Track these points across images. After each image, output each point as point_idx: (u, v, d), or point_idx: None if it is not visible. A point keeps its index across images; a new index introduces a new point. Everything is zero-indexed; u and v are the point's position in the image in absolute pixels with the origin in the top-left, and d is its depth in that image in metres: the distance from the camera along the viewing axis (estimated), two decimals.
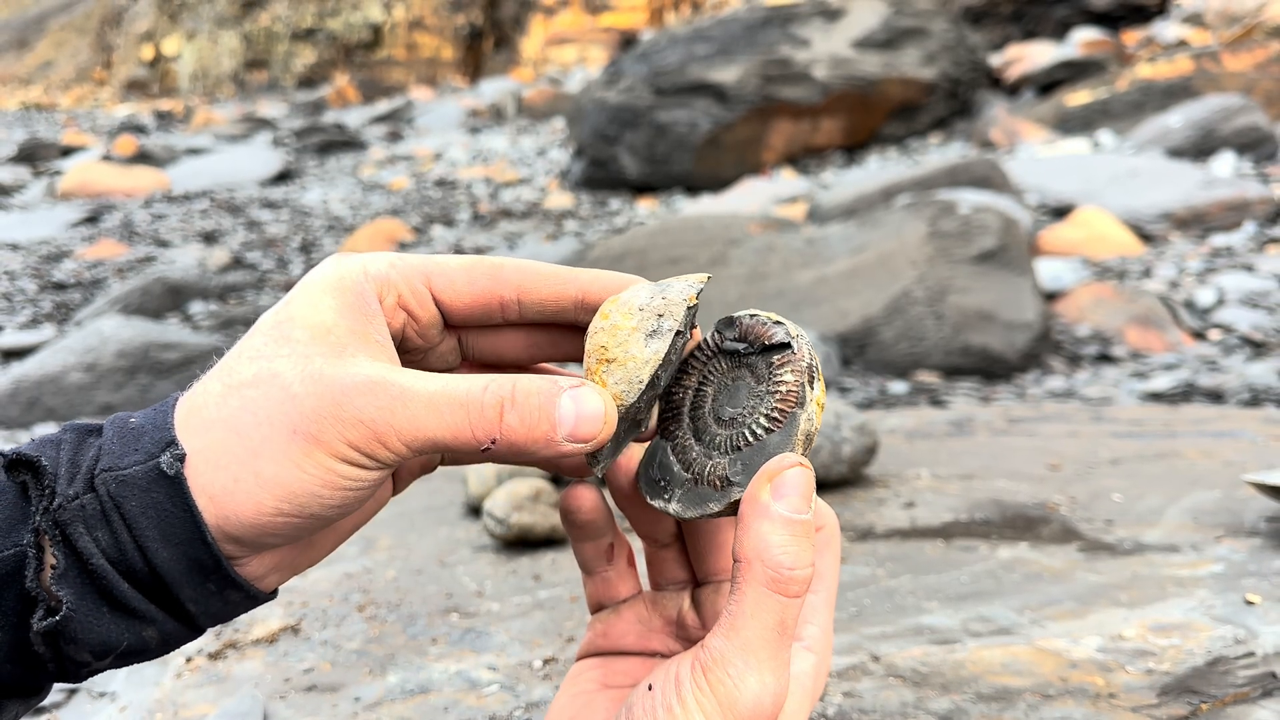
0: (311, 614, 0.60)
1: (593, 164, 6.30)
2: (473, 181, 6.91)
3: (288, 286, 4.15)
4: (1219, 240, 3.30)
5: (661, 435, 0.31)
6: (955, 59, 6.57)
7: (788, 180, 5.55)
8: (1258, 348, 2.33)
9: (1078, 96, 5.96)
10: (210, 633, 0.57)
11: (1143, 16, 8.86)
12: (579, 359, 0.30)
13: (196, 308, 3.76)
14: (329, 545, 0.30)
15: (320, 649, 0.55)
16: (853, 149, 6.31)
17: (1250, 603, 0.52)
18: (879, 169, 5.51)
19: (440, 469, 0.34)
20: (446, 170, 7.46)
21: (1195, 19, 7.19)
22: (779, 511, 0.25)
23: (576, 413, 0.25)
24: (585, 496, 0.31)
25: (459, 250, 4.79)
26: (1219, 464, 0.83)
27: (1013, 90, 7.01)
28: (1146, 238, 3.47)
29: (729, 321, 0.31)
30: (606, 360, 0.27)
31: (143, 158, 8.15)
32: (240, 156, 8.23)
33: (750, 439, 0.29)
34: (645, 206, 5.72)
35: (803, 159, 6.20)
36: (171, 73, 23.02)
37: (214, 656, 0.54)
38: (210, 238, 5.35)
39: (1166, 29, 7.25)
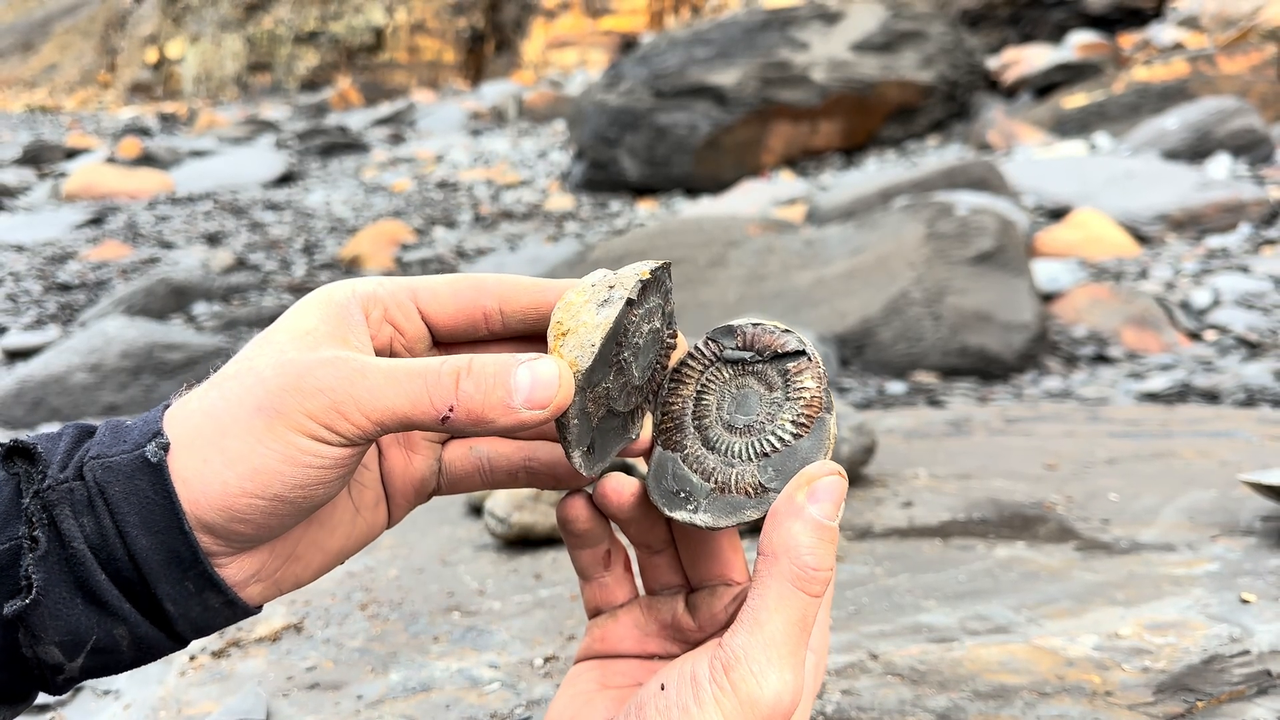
0: (314, 612, 0.60)
1: (593, 166, 6.31)
2: (474, 183, 6.92)
3: (291, 288, 4.13)
4: (1215, 242, 3.31)
5: (664, 446, 0.30)
6: (953, 62, 6.59)
7: (786, 182, 5.56)
8: (1253, 348, 2.34)
9: (1074, 99, 5.99)
10: None
11: (1139, 20, 8.90)
12: None
13: (200, 309, 3.77)
14: (315, 563, 0.29)
15: (323, 647, 0.55)
16: (851, 151, 6.33)
17: (1246, 601, 0.53)
18: (877, 171, 5.52)
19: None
20: (448, 172, 7.47)
21: (1191, 22, 7.23)
22: (812, 514, 0.26)
23: (532, 379, 0.25)
24: (582, 505, 0.31)
25: (460, 251, 4.80)
26: (1215, 464, 0.84)
27: (1010, 93, 7.04)
28: (1143, 239, 3.48)
29: (728, 330, 0.31)
30: (562, 334, 0.27)
31: (147, 160, 8.17)
32: (243, 159, 8.24)
33: (778, 445, 0.29)
34: (645, 208, 5.73)
35: (801, 161, 6.21)
36: (175, 75, 23.08)
37: (217, 654, 0.55)
38: (214, 239, 5.36)
39: (1163, 32, 7.29)
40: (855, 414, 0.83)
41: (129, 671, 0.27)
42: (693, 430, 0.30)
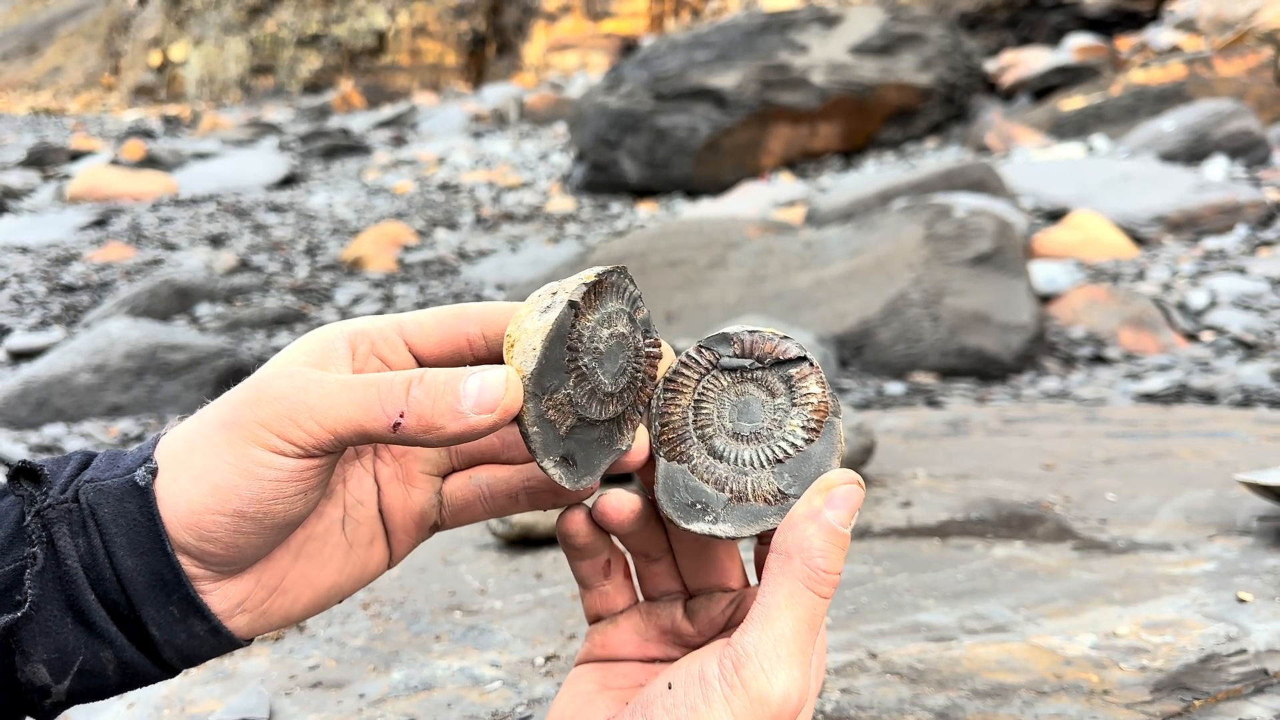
0: None
1: (594, 168, 6.32)
2: (476, 185, 6.93)
3: (293, 289, 4.13)
4: (1211, 243, 3.33)
5: (668, 459, 0.30)
6: (951, 65, 6.62)
7: (786, 184, 5.58)
8: (1250, 349, 2.35)
9: (1072, 101, 6.01)
10: None
11: (1136, 22, 8.93)
12: None
13: (203, 310, 3.77)
14: (304, 598, 0.29)
15: (325, 646, 0.55)
16: (850, 153, 6.34)
17: (1242, 601, 0.53)
18: (876, 173, 5.54)
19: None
20: (450, 174, 7.47)
21: (1188, 25, 7.26)
22: (828, 519, 0.27)
23: (480, 385, 0.26)
24: (581, 520, 0.31)
25: (462, 253, 4.80)
26: (1212, 464, 0.84)
27: (1008, 95, 7.06)
28: (1140, 241, 3.49)
29: (723, 338, 0.31)
30: (511, 345, 0.28)
31: (150, 162, 8.17)
32: (246, 161, 8.24)
33: (791, 450, 0.29)
34: (645, 210, 5.75)
35: (801, 163, 6.23)
36: (179, 78, 23.08)
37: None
38: (217, 241, 5.37)
39: (1160, 35, 7.32)
40: (854, 414, 0.83)
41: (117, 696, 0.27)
42: (696, 440, 0.30)
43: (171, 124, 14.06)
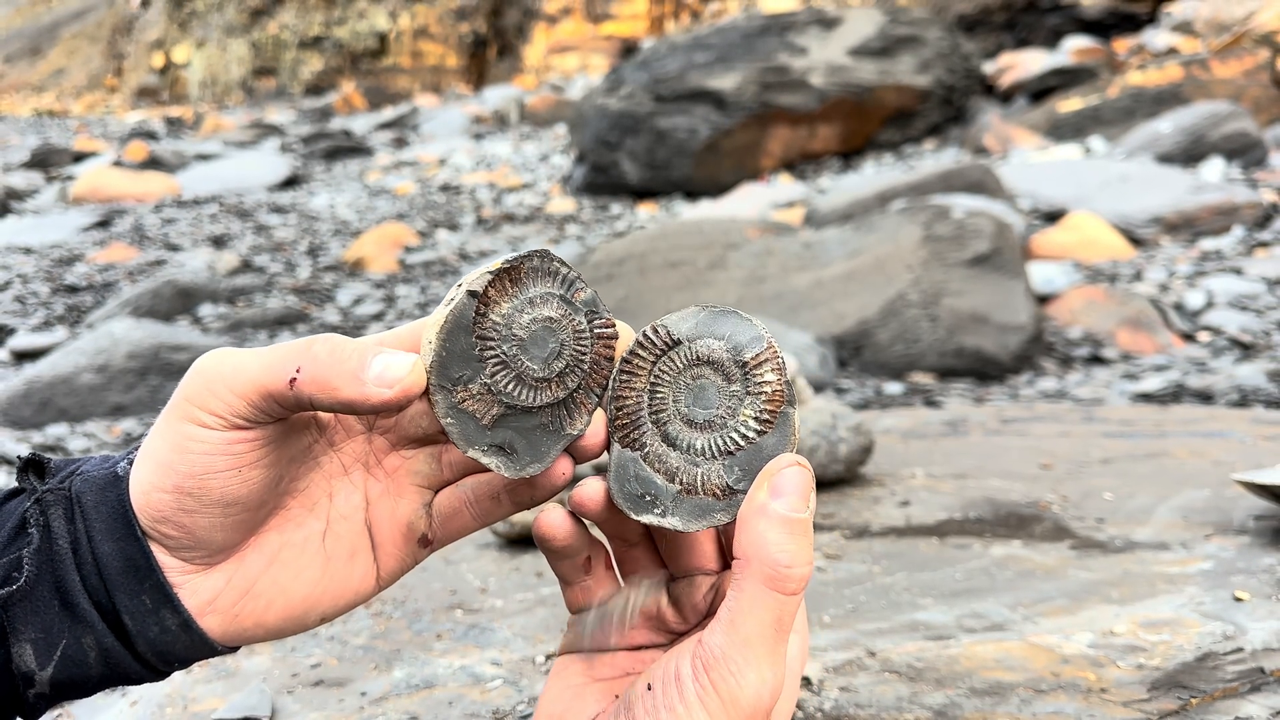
0: None
1: (594, 169, 6.33)
2: (477, 186, 6.94)
3: (295, 289, 4.14)
4: (1208, 244, 3.34)
5: (622, 444, 0.29)
6: (949, 66, 6.63)
7: (785, 185, 5.59)
8: (1246, 349, 2.36)
9: (1069, 103, 6.03)
10: None
11: (1133, 25, 8.97)
12: None
13: (206, 310, 3.78)
14: (278, 605, 0.29)
15: (327, 644, 0.56)
16: (849, 155, 6.36)
17: (1239, 599, 0.53)
18: (875, 174, 5.55)
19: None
20: (451, 175, 7.48)
21: (1185, 27, 7.29)
22: (776, 510, 0.26)
23: (385, 363, 0.26)
24: (559, 525, 0.30)
25: (463, 253, 4.80)
26: (1208, 463, 0.85)
27: (1006, 97, 7.08)
28: (1137, 241, 3.50)
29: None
30: (425, 342, 0.28)
31: (153, 163, 8.18)
32: (249, 162, 8.25)
33: (742, 442, 0.28)
34: (646, 211, 5.75)
35: (800, 165, 6.24)
36: (181, 80, 23.11)
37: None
38: (219, 242, 5.38)
39: (1157, 37, 7.35)
40: (853, 414, 0.83)
41: (100, 693, 0.27)
42: (651, 426, 0.29)
43: (174, 125, 14.07)
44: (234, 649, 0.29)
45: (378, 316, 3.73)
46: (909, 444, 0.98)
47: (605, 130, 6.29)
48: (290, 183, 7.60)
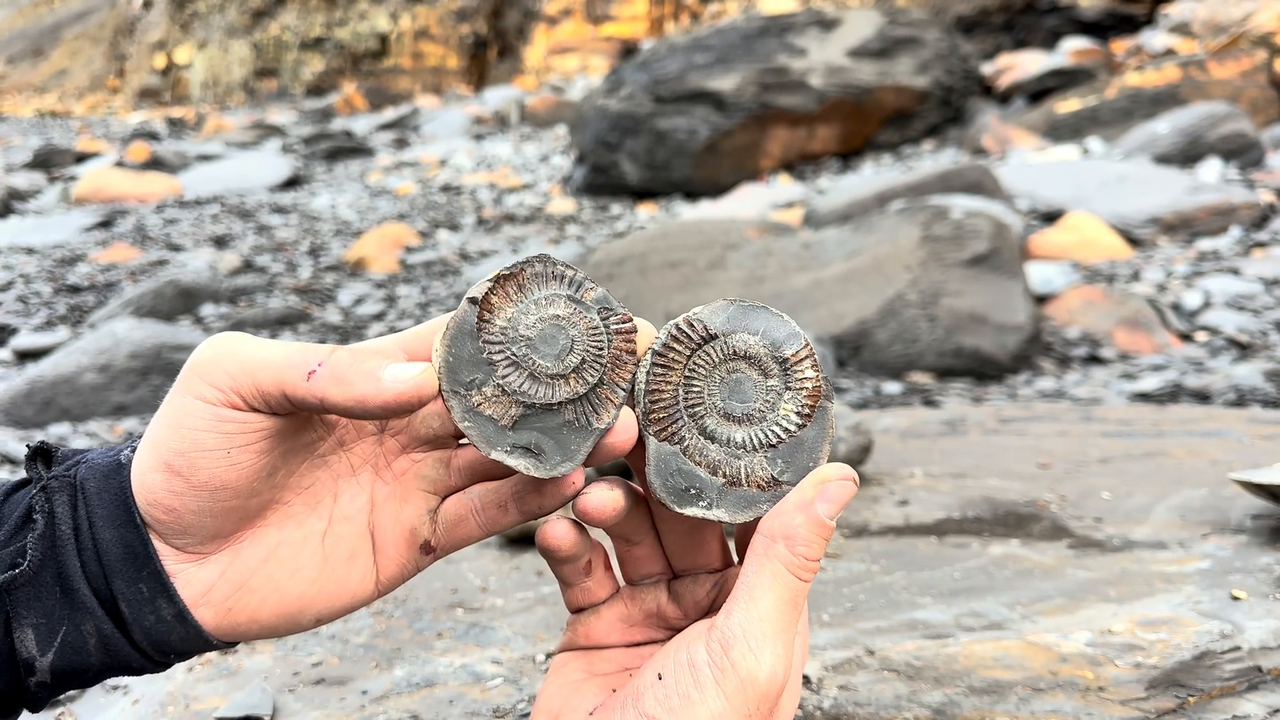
0: None
1: (594, 170, 6.34)
2: (477, 187, 6.95)
3: (297, 289, 4.15)
4: (1205, 244, 3.35)
5: (658, 438, 0.29)
6: (948, 68, 6.65)
7: (784, 186, 5.60)
8: (1243, 349, 2.37)
9: (1068, 104, 6.04)
10: None
11: (1131, 26, 8.99)
12: None
13: (208, 310, 3.79)
14: (271, 602, 0.28)
15: (328, 643, 0.56)
16: (848, 155, 6.37)
17: (1236, 598, 0.53)
18: (873, 175, 5.56)
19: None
20: (452, 176, 7.49)
21: (1182, 28, 7.31)
22: (817, 511, 0.28)
23: (399, 366, 0.27)
24: (564, 536, 0.31)
25: (464, 254, 4.80)
26: (1205, 463, 0.85)
27: (1004, 98, 7.09)
28: (1135, 242, 3.51)
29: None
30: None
31: (155, 164, 8.19)
32: (250, 163, 8.26)
33: (783, 435, 0.29)
34: (645, 211, 5.76)
35: (799, 165, 6.25)
36: (183, 81, 23.13)
37: (225, 651, 0.55)
38: (221, 242, 5.39)
39: (1154, 38, 7.37)
40: (852, 414, 0.84)
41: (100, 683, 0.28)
42: (688, 420, 0.29)
43: (176, 126, 14.07)
44: (232, 644, 0.29)
45: (379, 316, 3.73)
46: (908, 443, 0.99)
47: (605, 131, 6.30)
48: (291, 183, 7.61)
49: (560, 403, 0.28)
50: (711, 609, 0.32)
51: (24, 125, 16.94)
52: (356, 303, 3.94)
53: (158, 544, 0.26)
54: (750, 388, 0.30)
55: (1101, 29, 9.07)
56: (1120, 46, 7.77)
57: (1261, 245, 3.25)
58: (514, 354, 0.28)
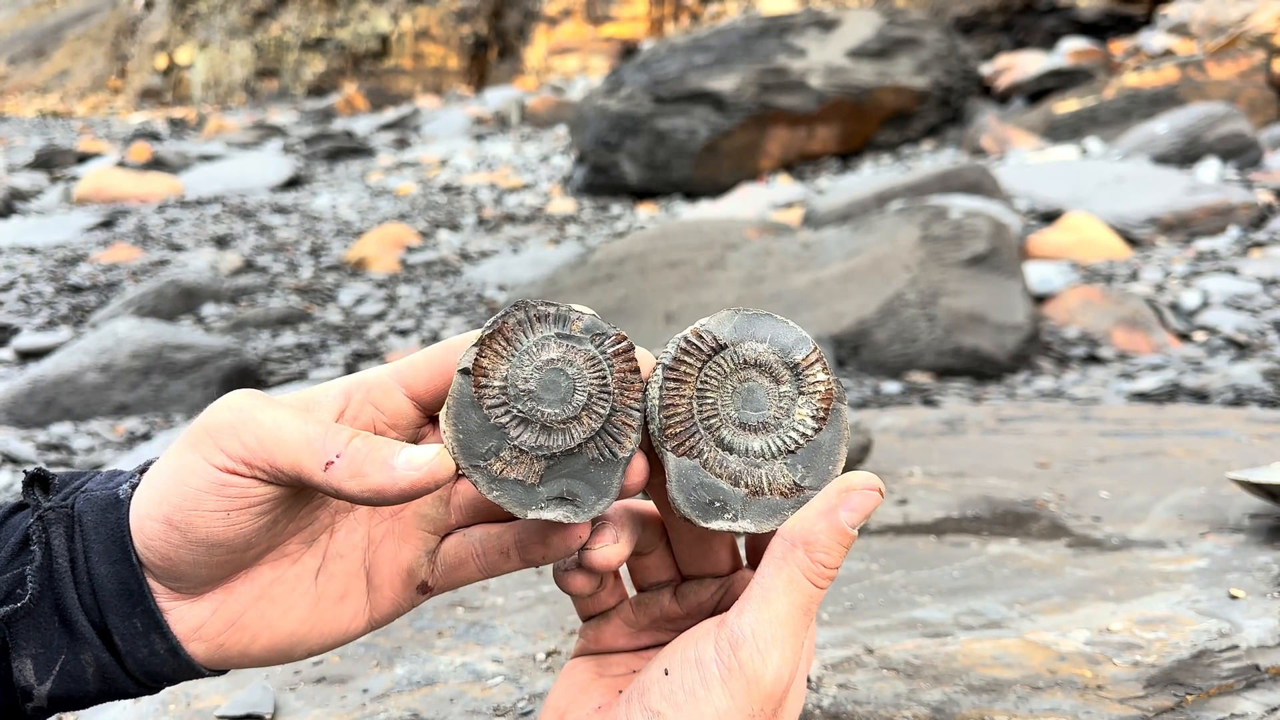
0: None
1: (594, 170, 6.34)
2: (478, 187, 6.96)
3: (298, 289, 4.15)
4: (1204, 244, 3.36)
5: (676, 453, 0.29)
6: (947, 68, 6.66)
7: (784, 186, 5.60)
8: (1241, 349, 2.37)
9: (1066, 104, 6.05)
10: None
11: (1130, 26, 9.01)
12: None
13: (209, 310, 3.80)
14: (263, 639, 0.28)
15: None
16: (847, 156, 6.38)
17: (1234, 597, 0.54)
18: (873, 175, 5.56)
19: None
20: (452, 176, 7.50)
21: (1181, 29, 7.32)
22: (840, 519, 0.28)
23: (410, 452, 0.27)
24: (585, 584, 0.31)
25: (464, 254, 4.78)
26: (1204, 462, 0.85)
27: (1003, 98, 7.10)
28: (1133, 242, 3.52)
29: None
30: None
31: (157, 164, 8.19)
32: (251, 163, 8.26)
33: (801, 440, 0.29)
34: (645, 211, 5.77)
35: (799, 165, 6.26)
36: (185, 81, 23.13)
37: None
38: (222, 242, 5.40)
39: (1153, 39, 7.38)
40: (851, 413, 0.84)
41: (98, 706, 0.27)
42: (704, 433, 0.29)
43: (177, 126, 14.08)
44: (224, 672, 0.29)
45: (379, 316, 3.73)
46: (907, 443, 0.99)
47: (605, 131, 6.30)
48: (293, 183, 7.61)
49: (580, 444, 0.28)
50: (715, 609, 0.33)
51: (26, 125, 16.94)
52: (357, 302, 3.94)
53: (152, 582, 0.27)
54: (763, 395, 0.30)
55: (1100, 29, 9.09)
56: (1119, 47, 7.79)
57: (1260, 245, 3.26)
58: (520, 411, 0.28)
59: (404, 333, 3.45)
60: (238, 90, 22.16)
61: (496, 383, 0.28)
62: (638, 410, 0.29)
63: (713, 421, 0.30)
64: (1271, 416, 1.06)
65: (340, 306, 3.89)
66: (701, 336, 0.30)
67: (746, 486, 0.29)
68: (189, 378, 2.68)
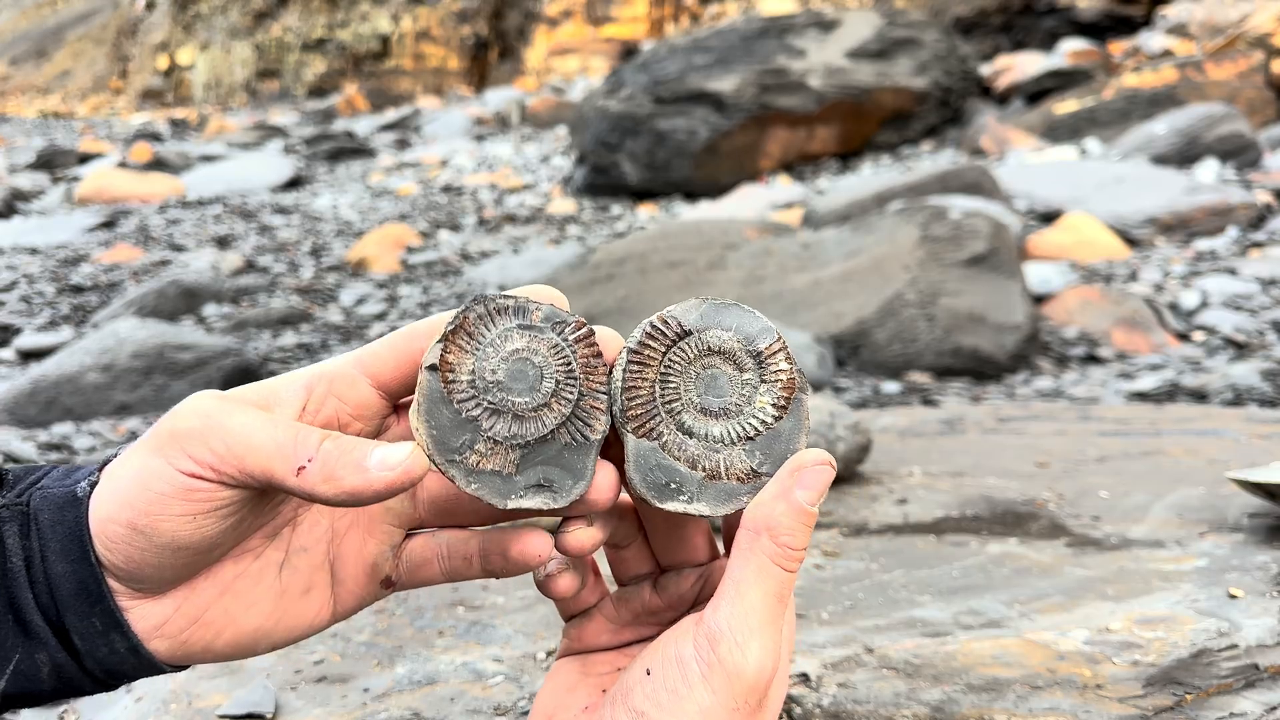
0: None
1: (594, 170, 6.34)
2: (478, 188, 6.95)
3: (299, 289, 4.15)
4: (1203, 244, 3.36)
5: (637, 435, 0.29)
6: (946, 69, 6.67)
7: (784, 186, 5.61)
8: (1240, 349, 2.38)
9: (1065, 105, 6.06)
10: None
11: (1129, 27, 9.02)
12: None
13: (210, 310, 3.80)
14: (227, 634, 0.28)
15: (330, 641, 0.56)
16: (847, 156, 6.38)
17: (1233, 596, 0.54)
18: (872, 175, 5.57)
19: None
20: (453, 177, 7.49)
21: (1180, 29, 7.33)
22: (797, 498, 0.28)
23: (384, 452, 0.26)
24: (570, 586, 0.31)
25: (465, 254, 4.78)
26: (1203, 462, 0.85)
27: (1002, 99, 7.11)
28: (1132, 242, 3.52)
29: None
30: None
31: (158, 164, 8.18)
32: (252, 163, 8.25)
33: (760, 428, 0.29)
34: (646, 212, 5.77)
35: (798, 166, 6.26)
36: (186, 82, 23.14)
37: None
38: (223, 242, 5.40)
39: (1152, 39, 7.39)
40: (851, 413, 0.84)
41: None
42: (665, 416, 0.29)
43: (178, 127, 14.05)
44: (185, 667, 0.29)
45: (380, 316, 3.73)
46: (906, 442, 0.99)
47: (605, 132, 6.31)
48: (293, 184, 7.61)
49: (553, 430, 0.29)
50: (697, 600, 0.33)
51: (27, 126, 16.95)
52: (358, 303, 3.94)
53: (112, 582, 0.26)
54: (725, 383, 0.30)
55: (1099, 30, 9.10)
56: (1118, 48, 7.79)
57: (1258, 245, 3.26)
58: (491, 402, 0.28)
59: None
60: (239, 91, 22.16)
61: (464, 377, 0.28)
62: (604, 393, 0.29)
63: (674, 405, 0.30)
64: (1270, 416, 1.07)
65: (341, 307, 3.90)
66: (667, 322, 0.30)
67: (704, 470, 0.29)
68: (190, 378, 2.68)
